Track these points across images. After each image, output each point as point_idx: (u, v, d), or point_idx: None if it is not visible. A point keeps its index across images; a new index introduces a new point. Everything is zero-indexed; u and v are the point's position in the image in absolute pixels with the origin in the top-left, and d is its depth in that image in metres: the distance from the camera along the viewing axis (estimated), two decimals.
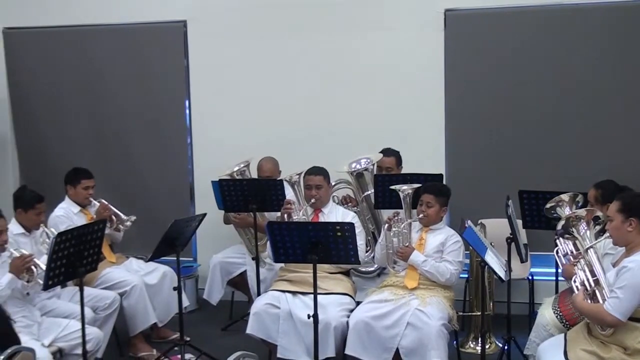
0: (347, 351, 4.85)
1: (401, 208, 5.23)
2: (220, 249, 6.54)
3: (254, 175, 6.36)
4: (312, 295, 4.72)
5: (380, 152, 6.12)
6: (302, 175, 5.59)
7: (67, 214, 5.80)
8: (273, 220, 5.18)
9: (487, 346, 5.49)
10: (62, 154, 7.26)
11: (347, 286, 5.30)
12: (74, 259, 4.55)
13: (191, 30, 7.02)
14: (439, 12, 6.44)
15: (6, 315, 3.58)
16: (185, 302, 5.82)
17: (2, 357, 3.30)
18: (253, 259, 6.06)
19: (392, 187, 5.31)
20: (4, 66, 7.42)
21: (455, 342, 5.44)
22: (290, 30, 6.79)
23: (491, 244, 4.82)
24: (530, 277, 6.11)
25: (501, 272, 4.62)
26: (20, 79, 7.45)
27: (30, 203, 5.24)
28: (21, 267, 4.71)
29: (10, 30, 7.40)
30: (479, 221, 5.76)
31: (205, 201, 6.65)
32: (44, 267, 4.60)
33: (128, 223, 5.88)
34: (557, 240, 4.53)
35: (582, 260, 4.15)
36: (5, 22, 7.37)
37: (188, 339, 5.48)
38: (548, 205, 4.96)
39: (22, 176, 7.56)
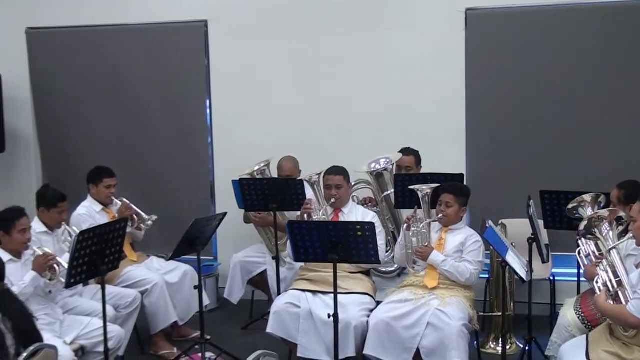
0: (367, 351, 4.84)
1: (420, 207, 5.22)
2: (241, 248, 6.56)
3: (274, 174, 6.37)
4: (332, 295, 4.72)
5: (400, 151, 6.10)
6: (322, 175, 5.59)
7: (89, 213, 5.84)
8: (293, 220, 5.19)
9: (507, 347, 5.45)
10: (84, 153, 7.30)
11: (367, 286, 5.29)
12: (96, 257, 4.59)
13: (212, 30, 7.04)
14: (460, 11, 6.41)
15: (29, 312, 3.60)
16: (206, 301, 5.85)
17: (25, 354, 3.33)
18: (273, 258, 6.07)
19: (411, 187, 5.30)
20: (27, 66, 7.48)
21: (475, 342, 5.42)
22: (310, 30, 6.79)
23: (512, 244, 4.80)
24: (551, 278, 6.08)
25: (522, 273, 4.60)
26: (43, 78, 7.51)
27: (53, 202, 5.29)
28: (44, 265, 4.76)
29: (34, 30, 7.45)
30: (500, 221, 5.74)
31: (225, 200, 6.67)
32: (66, 265, 4.64)
33: (149, 222, 5.91)
34: (580, 241, 4.49)
35: (604, 261, 4.11)
36: (29, 22, 7.43)
37: (208, 337, 5.51)
38: (570, 206, 4.93)
39: (44, 175, 7.63)
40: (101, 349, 4.67)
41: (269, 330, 5.12)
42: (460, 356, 4.68)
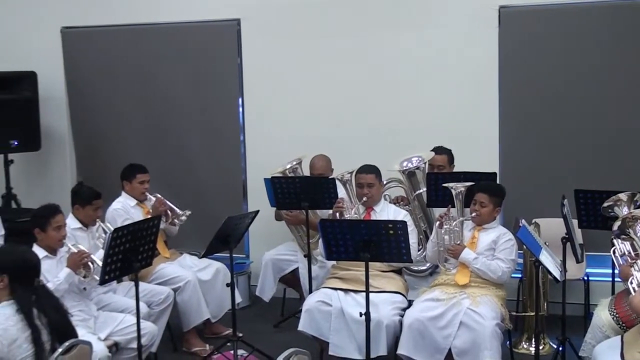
0: (400, 351, 4.83)
1: (453, 207, 5.19)
2: (273, 246, 6.57)
3: (306, 172, 6.38)
4: (363, 293, 4.73)
5: (432, 150, 6.08)
6: (354, 173, 5.58)
7: (124, 207, 5.90)
8: (326, 218, 5.19)
9: (541, 347, 5.40)
10: (118, 151, 7.37)
11: (399, 284, 5.28)
12: (130, 254, 4.63)
13: (244, 28, 7.06)
14: (493, 9, 6.36)
15: (64, 309, 3.65)
16: (238, 299, 5.87)
17: (60, 349, 3.37)
18: (305, 256, 6.08)
19: (445, 184, 5.28)
20: (62, 65, 7.57)
21: (508, 342, 5.38)
22: (342, 28, 6.78)
23: (545, 243, 4.76)
24: (585, 278, 6.02)
25: (556, 272, 4.56)
26: (78, 77, 7.59)
27: (88, 199, 5.35)
28: (78, 262, 4.81)
29: (69, 30, 7.54)
30: (533, 220, 5.70)
31: (257, 198, 6.68)
32: (100, 262, 4.69)
33: (183, 217, 5.96)
34: (615, 241, 4.45)
35: (639, 261, 4.06)
36: (64, 21, 7.52)
37: (240, 335, 5.54)
38: (606, 204, 4.88)
39: (79, 173, 7.71)
40: (134, 345, 4.71)
41: (300, 328, 5.13)
42: (493, 356, 4.65)
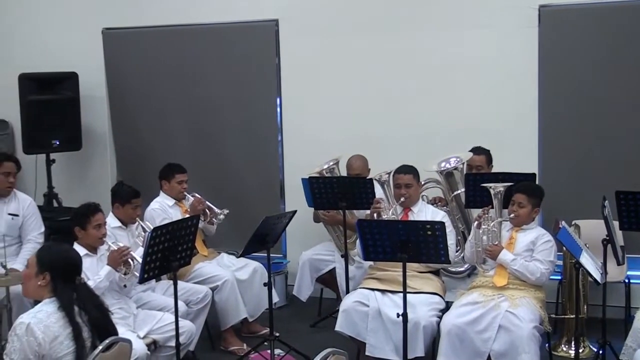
0: (440, 358, 4.78)
1: (492, 207, 5.15)
2: (310, 246, 6.58)
3: (344, 173, 6.37)
4: (401, 294, 4.71)
5: (471, 150, 6.04)
6: (392, 173, 5.57)
7: (162, 207, 5.96)
8: (363, 218, 5.19)
9: (580, 350, 5.34)
10: (157, 150, 7.44)
11: (436, 285, 5.25)
12: (169, 253, 4.67)
13: (283, 28, 7.08)
14: (533, 8, 6.30)
15: (105, 306, 3.68)
16: (275, 298, 5.88)
17: (101, 347, 3.41)
18: (342, 256, 6.08)
19: (484, 184, 5.24)
20: (103, 65, 7.66)
21: (547, 344, 5.33)
22: (381, 28, 6.77)
23: (586, 245, 4.70)
24: (626, 281, 5.93)
25: (597, 275, 4.50)
26: (118, 77, 7.67)
27: (127, 198, 5.41)
28: (119, 260, 4.87)
29: (109, 31, 7.62)
30: (573, 222, 5.63)
31: (295, 198, 6.69)
32: (140, 259, 4.74)
33: (221, 216, 6.00)
34: None
35: None
36: (105, 22, 7.61)
37: (277, 334, 5.54)
38: None
39: (119, 172, 7.81)
40: (173, 343, 4.75)
41: (337, 328, 5.12)
42: (531, 359, 4.60)
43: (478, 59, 6.51)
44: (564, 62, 6.29)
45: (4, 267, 4.99)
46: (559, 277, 5.74)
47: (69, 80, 7.40)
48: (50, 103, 7.28)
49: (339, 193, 5.86)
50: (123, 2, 7.57)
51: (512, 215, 5.04)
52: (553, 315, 5.45)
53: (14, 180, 5.68)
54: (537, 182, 5.60)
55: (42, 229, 5.80)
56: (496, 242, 5.02)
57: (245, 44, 7.21)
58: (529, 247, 5.01)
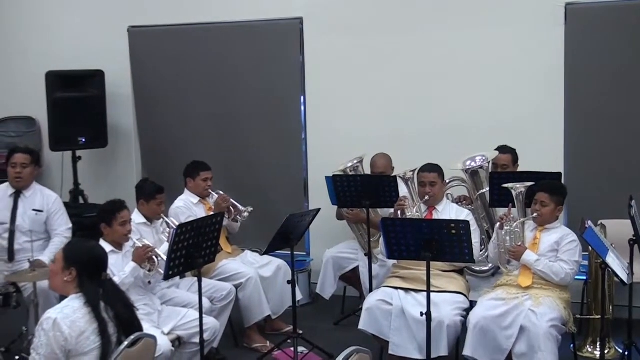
0: (466, 352, 4.76)
1: (515, 207, 5.12)
2: (333, 244, 6.58)
3: (367, 171, 6.36)
4: (424, 293, 4.70)
5: (496, 149, 6.01)
6: (416, 172, 5.56)
7: (186, 205, 5.99)
8: (387, 217, 5.18)
9: (606, 351, 5.30)
10: (182, 148, 7.47)
11: (460, 285, 5.23)
12: (193, 250, 4.70)
13: (307, 26, 7.08)
14: (559, 6, 6.25)
15: (130, 302, 3.71)
16: (299, 296, 5.88)
17: (126, 343, 3.43)
18: (365, 254, 6.08)
19: (505, 185, 5.21)
20: (129, 63, 7.71)
21: (572, 345, 5.29)
22: (405, 26, 6.75)
23: (612, 245, 4.66)
24: None
25: (623, 275, 4.46)
26: (144, 75, 7.72)
27: (152, 194, 5.45)
28: (143, 256, 4.90)
29: (135, 29, 7.67)
30: (599, 221, 5.58)
31: (318, 196, 6.70)
32: (164, 257, 4.77)
33: (245, 214, 6.02)
34: None
35: None
36: (131, 21, 7.65)
37: (301, 332, 5.57)
38: None
39: (144, 169, 7.85)
40: (197, 340, 4.77)
41: (361, 326, 5.12)
42: (546, 359, 4.57)
43: (504, 58, 6.48)
44: (591, 60, 6.24)
45: (31, 262, 5.05)
46: (585, 278, 5.69)
47: (95, 78, 7.46)
48: (76, 101, 7.34)
49: (363, 191, 5.85)
50: (149, 1, 7.62)
51: (535, 215, 5.00)
52: (578, 316, 5.41)
53: (20, 171, 5.67)
54: (562, 182, 5.55)
55: (70, 225, 5.84)
56: (519, 243, 4.98)
57: (270, 42, 7.22)
58: (553, 247, 4.98)
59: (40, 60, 7.56)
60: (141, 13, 7.61)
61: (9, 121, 8.01)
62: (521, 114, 6.43)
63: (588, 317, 5.59)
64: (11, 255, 5.60)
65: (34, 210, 5.70)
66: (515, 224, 5.00)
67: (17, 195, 5.71)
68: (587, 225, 4.46)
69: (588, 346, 5.55)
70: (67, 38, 7.78)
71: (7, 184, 5.77)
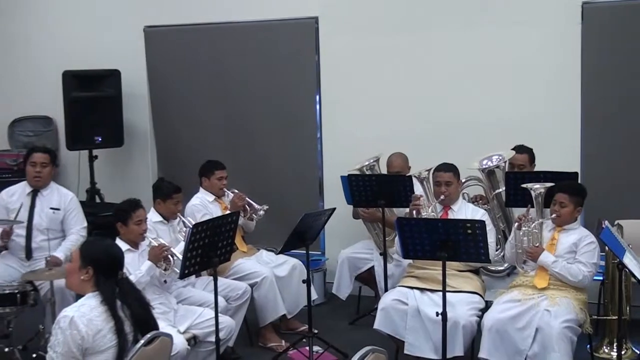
0: (482, 354, 4.74)
1: (533, 207, 5.10)
2: (349, 243, 6.57)
3: (384, 170, 6.36)
4: (440, 293, 4.69)
5: (513, 149, 5.98)
6: (432, 171, 5.54)
7: (202, 203, 6.01)
8: (402, 216, 5.17)
9: (623, 352, 5.26)
10: (197, 147, 7.48)
11: (476, 285, 5.22)
12: (209, 249, 4.71)
13: (323, 26, 7.09)
14: (576, 5, 6.22)
15: (146, 301, 3.71)
16: (314, 295, 5.88)
17: (142, 341, 3.44)
18: (381, 254, 6.07)
19: (524, 185, 5.18)
20: (144, 63, 7.74)
21: (588, 346, 5.26)
22: (421, 25, 6.74)
23: (629, 245, 4.63)
24: None
25: None
26: (159, 75, 7.74)
27: (168, 193, 5.48)
28: (159, 255, 4.91)
29: (151, 29, 7.70)
30: (616, 222, 5.54)
31: (334, 196, 6.70)
32: (180, 256, 4.78)
33: (261, 212, 6.03)
34: None
35: None
36: (146, 21, 7.68)
37: (316, 331, 5.57)
38: None
39: (159, 169, 7.88)
40: (212, 338, 4.78)
41: (376, 326, 5.11)
42: (560, 359, 4.54)
43: (520, 57, 6.45)
44: (608, 59, 6.21)
45: (48, 261, 5.08)
46: (601, 278, 5.66)
47: (111, 78, 7.50)
48: (93, 100, 7.38)
49: (378, 191, 5.84)
50: (165, 1, 7.64)
51: (554, 216, 4.98)
52: (595, 317, 5.38)
53: (40, 170, 5.71)
54: (579, 181, 5.52)
55: (85, 224, 5.87)
56: (537, 244, 4.96)
57: (285, 41, 7.23)
58: (572, 248, 4.95)
59: (57, 60, 7.61)
60: (157, 13, 7.64)
61: (26, 120, 8.07)
62: (538, 113, 6.40)
63: (605, 317, 5.55)
64: (28, 253, 5.64)
65: (51, 208, 5.74)
66: (534, 224, 4.97)
67: (34, 193, 5.75)
68: (604, 226, 4.44)
69: (605, 347, 5.52)
70: (83, 38, 7.81)
71: (24, 182, 5.81)
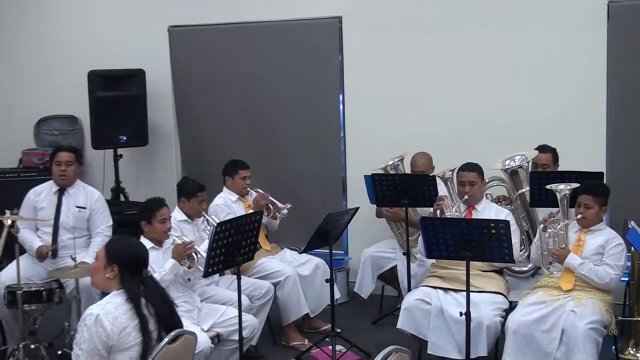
0: (506, 357, 4.72)
1: (557, 206, 5.06)
2: (372, 243, 6.56)
3: (407, 170, 6.34)
4: (464, 293, 4.67)
5: (536, 148, 5.94)
6: (456, 171, 5.52)
7: (226, 202, 6.03)
8: (426, 216, 5.16)
9: None
10: (220, 147, 7.50)
11: (500, 285, 5.19)
12: (233, 248, 4.72)
13: (346, 25, 7.09)
14: (602, 4, 6.17)
15: (170, 299, 3.74)
16: (337, 294, 5.88)
17: (167, 339, 3.47)
18: (404, 254, 6.05)
19: (549, 186, 5.14)
20: (168, 63, 7.78)
21: (614, 347, 5.22)
22: (444, 25, 6.72)
23: None
24: None
25: None
26: (183, 75, 7.77)
27: (192, 192, 5.51)
28: (183, 254, 4.94)
29: (175, 29, 7.73)
30: None
31: (357, 195, 6.69)
32: (204, 254, 4.80)
33: (284, 211, 6.04)
34: None
35: None
36: (171, 20, 7.72)
37: (339, 330, 5.58)
38: None
39: (184, 168, 7.92)
40: (236, 337, 4.81)
41: (399, 326, 5.11)
42: None
43: (545, 56, 6.41)
44: (633, 58, 6.15)
45: (74, 259, 5.12)
46: (627, 279, 5.61)
47: (136, 77, 7.54)
48: (118, 99, 7.43)
49: (402, 190, 5.83)
50: (189, 1, 7.67)
51: (579, 217, 4.93)
52: (620, 318, 5.33)
53: (65, 169, 5.76)
54: (604, 181, 5.48)
55: (110, 222, 5.91)
56: (563, 246, 4.92)
57: (308, 41, 7.24)
58: (598, 250, 4.90)
59: (82, 60, 7.66)
60: (181, 13, 7.67)
61: (52, 119, 8.14)
62: (562, 113, 6.36)
63: (630, 318, 5.51)
64: (54, 251, 5.69)
65: (77, 207, 5.79)
66: (560, 226, 4.93)
67: (61, 192, 5.80)
68: (630, 226, 4.41)
69: (630, 348, 5.46)
70: (108, 38, 7.86)
71: (51, 181, 5.87)
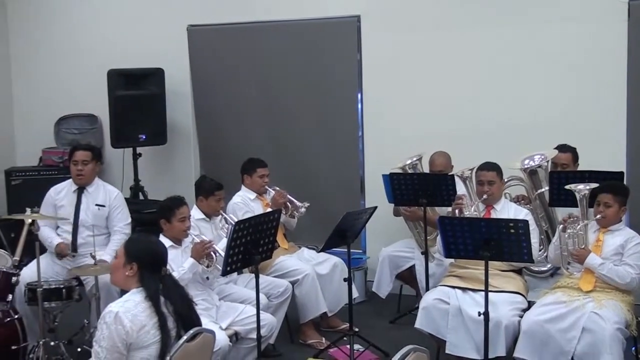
0: (517, 354, 4.71)
1: (576, 207, 5.03)
2: (390, 242, 6.56)
3: (426, 169, 6.33)
4: (482, 292, 4.66)
5: (556, 148, 5.91)
6: (474, 170, 5.50)
7: (244, 201, 6.05)
8: (445, 215, 5.15)
9: None
10: (238, 146, 7.53)
11: (519, 285, 5.17)
12: (251, 247, 4.73)
13: (365, 25, 7.08)
14: (623, 2, 6.13)
15: (189, 297, 3.76)
16: (355, 294, 5.88)
17: (185, 337, 3.49)
18: (422, 253, 6.05)
19: (568, 186, 5.11)
20: (187, 62, 7.80)
21: (633, 348, 5.18)
22: (463, 23, 6.70)
23: None
24: None
25: None
26: (202, 73, 7.80)
27: (211, 190, 5.52)
28: (202, 252, 4.96)
29: (194, 28, 7.76)
30: None
31: (375, 194, 6.69)
32: (222, 252, 4.82)
33: (302, 209, 6.05)
34: None
35: None
36: (190, 19, 7.75)
37: (357, 329, 5.58)
38: None
39: (202, 166, 7.95)
40: (254, 335, 4.82)
41: (417, 325, 5.10)
42: None
43: (565, 55, 6.38)
44: None
45: (93, 257, 5.16)
46: None
47: (155, 76, 7.57)
48: (137, 98, 7.46)
49: (420, 189, 5.83)
50: (208, 0, 7.68)
51: (598, 217, 4.90)
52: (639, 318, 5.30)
53: (82, 168, 5.79)
54: (624, 181, 5.44)
55: (129, 220, 5.94)
56: (582, 246, 4.89)
57: (327, 40, 7.24)
58: (618, 250, 4.86)
59: (102, 59, 7.71)
60: (200, 12, 7.70)
61: (72, 118, 8.19)
62: (582, 112, 6.32)
63: None
64: (74, 249, 5.73)
65: (96, 205, 5.82)
66: (579, 226, 4.90)
67: (80, 190, 5.84)
68: None
69: None
70: (128, 37, 7.91)
71: (70, 180, 5.91)
